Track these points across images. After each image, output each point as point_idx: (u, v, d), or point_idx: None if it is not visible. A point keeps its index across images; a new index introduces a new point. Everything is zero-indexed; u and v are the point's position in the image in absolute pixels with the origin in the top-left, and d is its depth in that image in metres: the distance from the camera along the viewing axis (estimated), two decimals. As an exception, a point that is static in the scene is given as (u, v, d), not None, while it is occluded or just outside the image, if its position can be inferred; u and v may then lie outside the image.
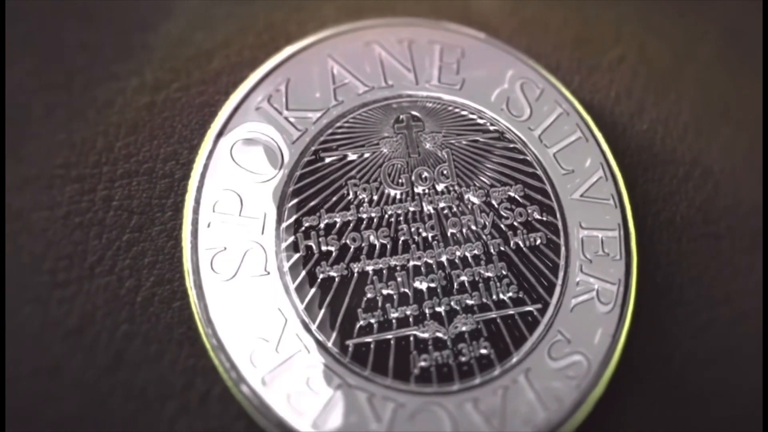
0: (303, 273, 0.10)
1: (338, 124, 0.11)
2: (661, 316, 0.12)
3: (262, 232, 0.10)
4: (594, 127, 0.12)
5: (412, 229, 0.11)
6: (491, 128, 0.12)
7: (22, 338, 0.09)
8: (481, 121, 0.12)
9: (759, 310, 0.12)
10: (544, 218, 0.11)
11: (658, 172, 0.13)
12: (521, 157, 0.11)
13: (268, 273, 0.10)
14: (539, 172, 0.11)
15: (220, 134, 0.11)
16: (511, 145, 0.12)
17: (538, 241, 0.11)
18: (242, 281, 0.10)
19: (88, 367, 0.09)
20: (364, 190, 0.11)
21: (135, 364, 0.10)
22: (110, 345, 0.10)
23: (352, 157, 0.11)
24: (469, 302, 0.11)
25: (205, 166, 0.11)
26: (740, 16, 0.14)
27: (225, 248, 0.10)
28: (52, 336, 0.10)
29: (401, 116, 0.11)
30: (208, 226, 0.10)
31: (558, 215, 0.11)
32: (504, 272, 0.11)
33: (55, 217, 0.10)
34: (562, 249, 0.11)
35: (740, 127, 0.13)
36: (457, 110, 0.12)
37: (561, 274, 0.11)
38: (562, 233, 0.11)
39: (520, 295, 0.11)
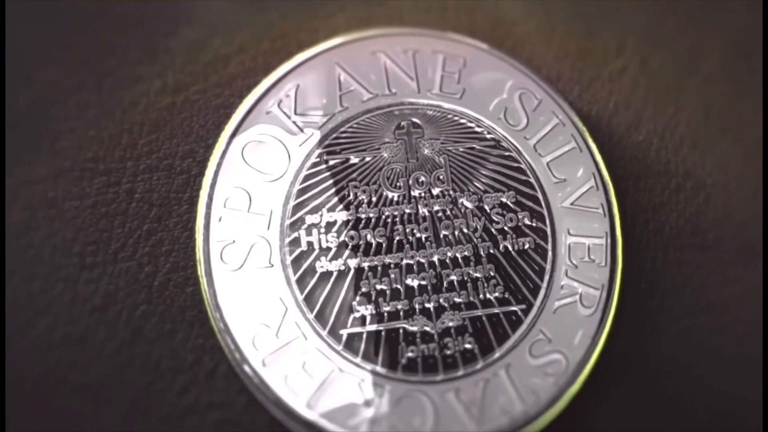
0: (304, 266, 0.12)
1: (342, 129, 0.12)
2: (642, 321, 0.13)
3: (268, 228, 0.12)
4: (588, 138, 0.13)
5: (407, 230, 0.12)
6: (488, 136, 0.13)
7: (54, 311, 0.11)
8: (478, 130, 0.13)
9: (740, 321, 0.13)
10: (534, 224, 0.12)
11: (651, 182, 0.13)
12: (515, 165, 0.13)
13: (272, 265, 0.12)
14: (532, 180, 0.13)
15: (233, 135, 0.12)
16: (506, 153, 0.13)
17: (527, 246, 0.12)
18: (248, 272, 0.12)
19: (109, 340, 0.11)
20: (364, 191, 0.12)
21: (151, 340, 0.11)
22: (129, 322, 0.11)
23: (354, 160, 0.12)
24: (457, 300, 0.12)
25: (219, 165, 0.12)
26: (744, 33, 0.14)
27: (234, 241, 0.12)
28: (79, 311, 0.11)
29: (402, 123, 0.13)
30: (220, 220, 0.12)
31: (547, 222, 0.12)
32: (492, 273, 0.12)
33: (85, 206, 0.12)
34: (549, 254, 0.12)
35: (736, 143, 0.14)
36: (456, 118, 0.13)
37: (546, 277, 0.12)
38: (550, 239, 0.12)
39: (506, 296, 0.12)
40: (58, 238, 0.11)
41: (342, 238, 0.12)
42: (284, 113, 0.12)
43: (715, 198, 0.14)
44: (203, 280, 0.12)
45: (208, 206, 0.12)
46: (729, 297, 0.13)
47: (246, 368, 0.11)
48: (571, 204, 0.13)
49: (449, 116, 0.13)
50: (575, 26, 0.14)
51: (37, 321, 0.11)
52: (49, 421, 0.11)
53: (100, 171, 0.12)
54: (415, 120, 0.13)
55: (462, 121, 0.13)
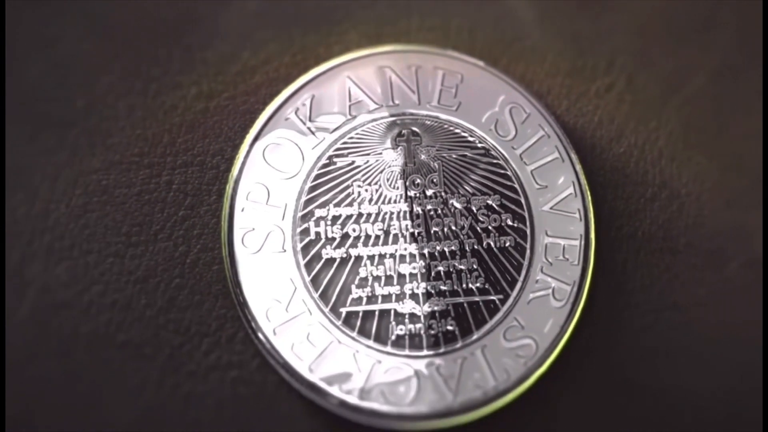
0: (311, 253, 0.14)
1: (350, 135, 0.15)
2: (610, 315, 0.15)
3: (282, 218, 0.14)
4: (571, 149, 0.15)
5: (402, 225, 0.14)
6: (479, 145, 0.15)
7: (105, 281, 0.14)
8: (471, 139, 0.15)
9: (702, 320, 0.15)
10: (515, 225, 0.14)
11: (628, 191, 0.15)
12: (502, 171, 0.15)
13: (285, 251, 0.14)
14: (516, 186, 0.14)
15: (256, 138, 0.15)
16: (495, 161, 0.15)
17: (507, 244, 0.14)
18: (264, 255, 0.14)
19: (149, 306, 0.14)
20: (366, 190, 0.14)
21: (183, 308, 0.14)
22: (166, 292, 0.14)
23: (358, 162, 0.14)
24: (443, 288, 0.14)
25: (243, 163, 0.14)
26: (731, 56, 0.17)
27: (253, 228, 0.14)
28: (126, 281, 0.14)
29: (403, 131, 0.15)
30: (242, 210, 0.14)
31: (527, 223, 0.14)
32: (475, 266, 0.14)
33: (131, 194, 0.14)
34: (528, 252, 0.14)
35: (712, 158, 0.16)
36: (451, 128, 0.15)
37: (523, 272, 0.14)
38: (529, 238, 0.14)
39: (486, 287, 0.14)
40: (109, 220, 0.14)
41: (345, 229, 0.14)
42: (300, 120, 0.15)
43: (688, 207, 0.16)
44: (227, 261, 0.14)
45: (233, 198, 0.14)
46: (693, 297, 0.15)
47: (260, 335, 0.14)
48: (551, 208, 0.15)
49: (445, 126, 0.15)
50: (568, 45, 0.16)
51: (91, 288, 0.14)
52: (99, 370, 0.14)
53: (144, 164, 0.15)
54: (414, 129, 0.15)
55: (456, 131, 0.15)
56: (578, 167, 0.15)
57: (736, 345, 0.15)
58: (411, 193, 0.15)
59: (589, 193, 0.15)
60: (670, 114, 0.16)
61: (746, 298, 0.15)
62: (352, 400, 0.13)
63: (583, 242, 0.15)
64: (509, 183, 0.15)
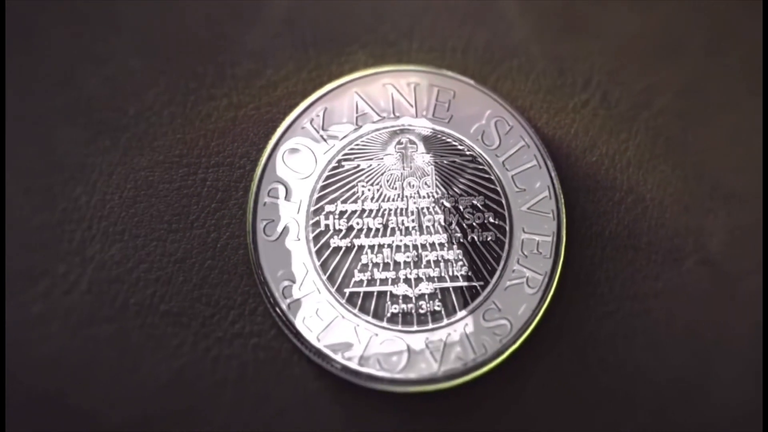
0: (321, 242, 0.16)
1: (356, 142, 0.17)
2: (576, 301, 0.17)
3: (298, 212, 0.16)
4: (548, 158, 0.18)
5: (399, 220, 0.16)
6: (467, 153, 0.17)
7: (150, 260, 0.17)
8: (460, 147, 0.17)
9: (657, 308, 0.18)
10: (496, 222, 0.16)
11: (598, 195, 0.17)
12: (486, 176, 0.17)
13: (299, 239, 0.16)
14: (498, 189, 0.17)
15: (277, 143, 0.17)
16: (480, 167, 0.17)
17: (489, 238, 0.16)
18: (282, 243, 0.16)
19: (186, 283, 0.16)
20: (369, 190, 0.17)
21: (214, 284, 0.16)
22: (200, 271, 0.16)
23: (363, 166, 0.17)
24: (432, 274, 0.16)
25: (265, 164, 0.17)
26: (695, 77, 0.19)
27: (273, 220, 0.16)
28: (166, 261, 0.16)
29: (402, 139, 0.17)
30: (264, 204, 0.16)
31: (507, 221, 0.16)
32: (460, 257, 0.16)
33: (172, 189, 0.17)
34: (506, 245, 0.16)
35: (675, 168, 0.19)
36: (443, 138, 0.17)
37: (502, 263, 0.16)
38: (508, 234, 0.16)
39: (469, 274, 0.16)
40: (154, 210, 0.17)
41: (350, 223, 0.16)
42: (314, 128, 0.17)
43: (651, 210, 0.18)
44: (251, 247, 0.16)
45: (257, 194, 0.16)
46: (651, 288, 0.17)
47: (277, 309, 0.16)
48: (528, 208, 0.17)
49: (438, 136, 0.17)
50: (549, 65, 0.19)
51: (139, 266, 0.17)
52: (144, 333, 0.17)
53: (183, 164, 0.17)
54: (411, 138, 0.17)
55: (448, 140, 0.17)
56: (553, 173, 0.18)
57: (685, 332, 0.18)
58: (407, 193, 0.17)
59: (562, 196, 0.18)
60: (639, 127, 0.18)
61: (698, 293, 0.18)
62: (353, 365, 0.16)
63: (555, 239, 0.17)
64: (492, 186, 0.17)
